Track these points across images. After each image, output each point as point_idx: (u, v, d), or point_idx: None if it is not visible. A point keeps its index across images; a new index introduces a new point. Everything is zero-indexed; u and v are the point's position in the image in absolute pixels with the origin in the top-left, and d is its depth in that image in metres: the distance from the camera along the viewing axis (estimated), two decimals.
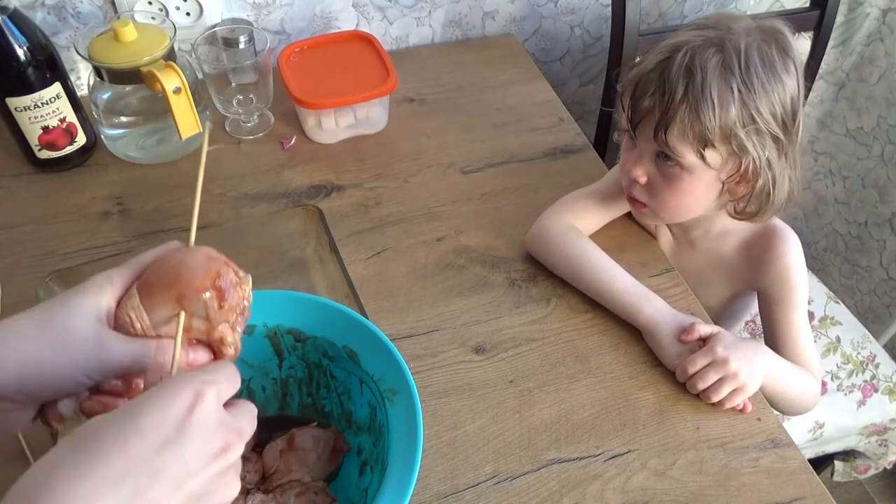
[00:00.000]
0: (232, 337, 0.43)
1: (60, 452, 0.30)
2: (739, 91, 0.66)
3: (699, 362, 0.70)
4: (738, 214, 0.76)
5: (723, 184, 0.73)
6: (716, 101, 0.66)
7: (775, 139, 0.69)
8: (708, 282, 0.87)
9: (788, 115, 0.69)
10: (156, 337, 0.41)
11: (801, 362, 0.78)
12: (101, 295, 0.40)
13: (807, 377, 0.78)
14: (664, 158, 0.72)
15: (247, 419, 0.37)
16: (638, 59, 0.76)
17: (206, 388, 0.34)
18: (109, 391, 0.41)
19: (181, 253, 0.43)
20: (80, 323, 0.38)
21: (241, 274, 0.43)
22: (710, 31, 0.69)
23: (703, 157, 0.69)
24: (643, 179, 0.74)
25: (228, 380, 0.37)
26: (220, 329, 0.42)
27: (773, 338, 0.81)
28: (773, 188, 0.71)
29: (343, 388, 0.60)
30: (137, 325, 0.40)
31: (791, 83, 0.69)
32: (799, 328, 0.80)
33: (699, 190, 0.73)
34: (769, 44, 0.68)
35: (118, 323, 0.41)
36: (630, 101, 0.72)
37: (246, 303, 0.43)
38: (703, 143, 0.68)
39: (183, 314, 0.41)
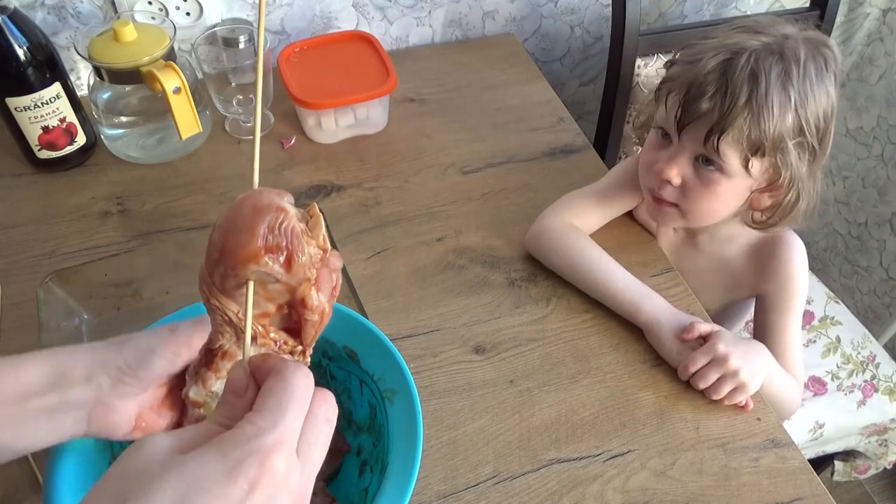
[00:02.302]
0: (316, 299, 0.35)
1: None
2: (795, 101, 0.66)
3: (700, 360, 0.70)
4: (757, 224, 0.76)
5: (750, 192, 0.73)
6: (776, 110, 0.65)
7: (812, 152, 0.69)
8: (707, 284, 0.87)
9: (826, 128, 0.69)
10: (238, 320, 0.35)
11: (789, 367, 0.79)
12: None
13: (794, 383, 0.79)
14: (704, 162, 0.71)
15: (320, 446, 0.33)
16: (686, 58, 0.73)
17: (273, 454, 0.29)
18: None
19: (229, 210, 0.34)
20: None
21: (313, 213, 0.35)
22: (766, 36, 0.68)
23: (747, 165, 0.68)
24: (678, 181, 0.73)
25: (297, 413, 0.31)
26: (300, 291, 0.35)
27: (766, 340, 0.81)
28: (799, 201, 0.71)
29: (343, 388, 0.60)
30: (229, 314, 0.36)
31: (833, 95, 0.69)
32: (793, 334, 0.81)
33: (732, 196, 0.73)
34: (820, 55, 0.68)
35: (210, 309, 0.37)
36: (682, 101, 0.70)
37: (323, 252, 0.35)
38: (755, 150, 0.67)
39: (252, 284, 0.33)
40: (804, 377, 0.82)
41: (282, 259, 0.33)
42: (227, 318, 0.35)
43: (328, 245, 0.35)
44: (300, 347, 0.38)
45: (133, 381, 0.43)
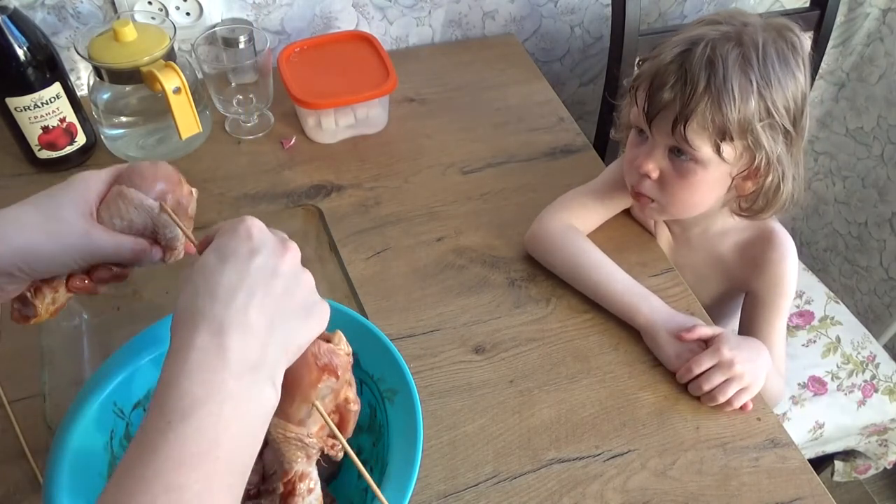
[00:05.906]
0: (353, 393, 0.48)
1: (193, 289, 0.40)
2: (758, 84, 0.67)
3: (705, 363, 0.70)
4: (743, 212, 0.76)
5: (732, 179, 0.73)
6: (736, 94, 0.66)
7: (786, 134, 0.70)
8: (704, 280, 0.88)
9: (798, 110, 0.70)
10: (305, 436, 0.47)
11: (774, 363, 0.79)
12: (88, 191, 0.47)
13: (781, 379, 0.80)
14: (677, 153, 0.72)
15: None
16: (651, 54, 0.75)
17: (247, 218, 0.43)
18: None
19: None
20: (69, 215, 0.46)
21: (335, 336, 0.47)
22: (725, 26, 0.69)
23: (719, 151, 0.69)
24: (655, 174, 0.74)
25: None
26: (342, 392, 0.47)
27: (751, 336, 0.81)
28: (782, 184, 0.72)
29: None
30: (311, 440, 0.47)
31: (801, 78, 0.70)
32: (778, 332, 0.82)
33: (710, 185, 0.73)
34: (783, 39, 0.69)
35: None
36: (647, 94, 0.71)
37: (348, 357, 0.47)
38: (722, 135, 0.68)
39: (318, 403, 0.46)
40: (787, 371, 0.83)
41: (334, 372, 0.45)
42: (300, 442, 0.46)
43: (349, 348, 0.47)
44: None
45: (24, 275, 0.46)
